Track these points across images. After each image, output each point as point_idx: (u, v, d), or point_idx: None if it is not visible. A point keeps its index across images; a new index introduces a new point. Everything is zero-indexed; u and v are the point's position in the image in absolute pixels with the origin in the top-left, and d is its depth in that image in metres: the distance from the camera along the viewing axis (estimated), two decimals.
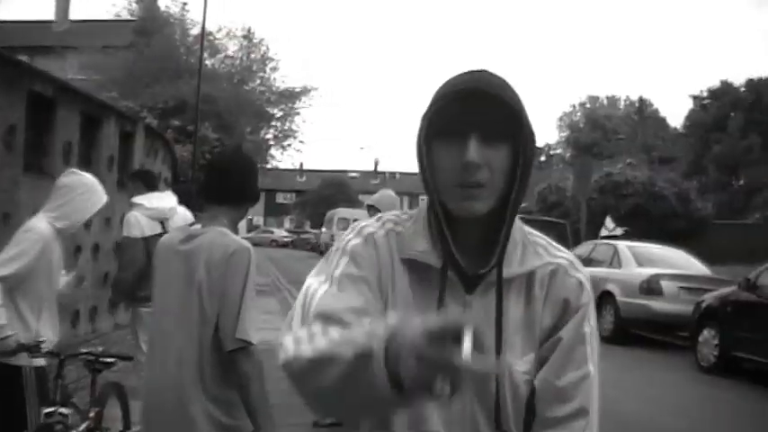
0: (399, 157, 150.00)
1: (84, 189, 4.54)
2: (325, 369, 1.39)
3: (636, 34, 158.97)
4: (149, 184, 6.44)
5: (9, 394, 4.25)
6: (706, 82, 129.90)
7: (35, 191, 8.22)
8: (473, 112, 1.57)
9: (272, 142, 36.84)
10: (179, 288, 3.16)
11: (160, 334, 3.26)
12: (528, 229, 1.75)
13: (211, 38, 32.94)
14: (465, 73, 1.65)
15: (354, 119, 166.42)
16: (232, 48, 34.99)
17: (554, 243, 1.78)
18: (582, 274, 1.74)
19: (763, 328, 11.03)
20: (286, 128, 36.51)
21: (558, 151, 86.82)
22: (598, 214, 26.23)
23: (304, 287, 1.67)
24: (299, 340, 1.49)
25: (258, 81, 35.22)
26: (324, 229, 46.41)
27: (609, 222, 23.22)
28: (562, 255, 1.75)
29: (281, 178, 71.20)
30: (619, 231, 22.37)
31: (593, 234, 22.21)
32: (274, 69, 35.58)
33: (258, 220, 79.76)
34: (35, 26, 45.63)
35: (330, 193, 65.70)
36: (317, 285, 1.64)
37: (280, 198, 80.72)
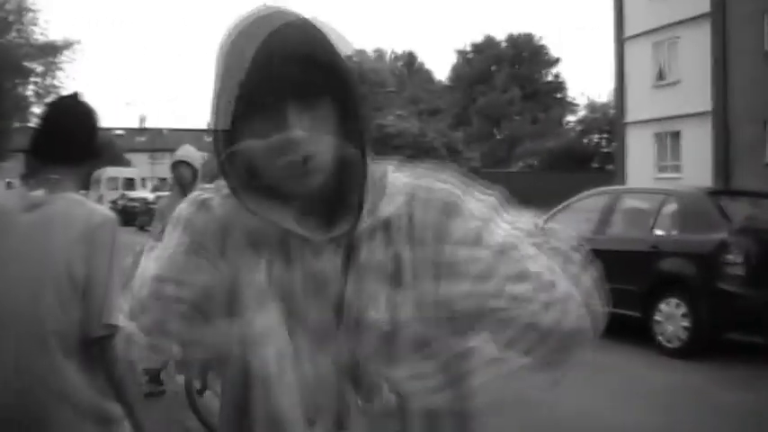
0: (166, 113, 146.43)
1: None
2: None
3: None
4: None
5: None
6: (470, 36, 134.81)
7: None
8: (284, 74, 1.30)
9: (33, 99, 34.74)
10: (21, 270, 2.65)
11: None
12: (387, 171, 1.50)
13: None
14: (256, 20, 1.36)
15: (118, 74, 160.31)
16: None
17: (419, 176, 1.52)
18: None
19: None
20: (48, 84, 34.54)
21: None
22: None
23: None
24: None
25: (15, 33, 32.97)
26: (91, 190, 44.74)
27: None
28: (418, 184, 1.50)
29: None
30: None
31: None
32: (33, 21, 33.46)
33: (17, 183, 75.48)
34: None
35: None
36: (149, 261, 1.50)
37: None
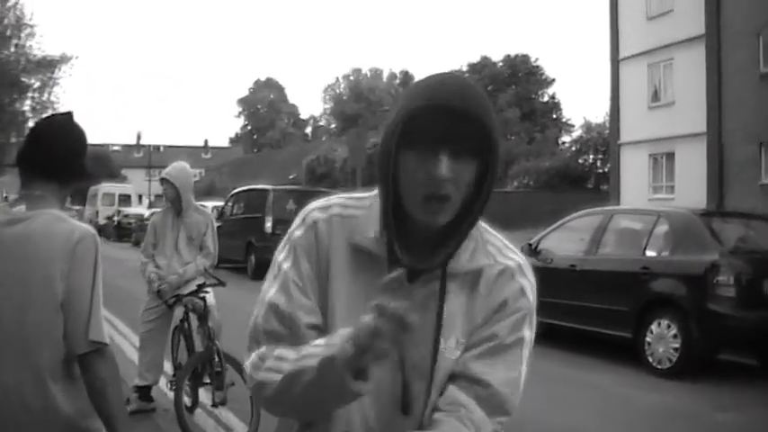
0: (162, 130, 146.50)
1: None
2: (294, 384, 1.60)
3: (400, 7, 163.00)
4: None
5: None
6: (467, 56, 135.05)
7: None
8: (447, 126, 1.57)
9: (29, 114, 34.64)
10: (3, 288, 2.64)
11: None
12: (486, 227, 1.78)
13: None
14: (442, 80, 1.63)
15: (115, 89, 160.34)
16: None
17: (510, 245, 1.81)
18: (527, 280, 1.77)
19: (548, 292, 11.48)
20: (44, 99, 34.49)
21: (322, 123, 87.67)
22: (369, 184, 26.67)
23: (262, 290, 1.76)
24: (257, 366, 1.68)
25: (13, 48, 32.99)
26: (88, 206, 44.64)
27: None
28: (514, 258, 1.78)
29: None
30: None
31: None
32: (30, 36, 33.47)
33: (14, 197, 75.30)
34: None
35: (92, 168, 63.11)
36: (266, 286, 1.75)
37: None
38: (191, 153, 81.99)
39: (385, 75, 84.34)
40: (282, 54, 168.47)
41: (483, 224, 1.76)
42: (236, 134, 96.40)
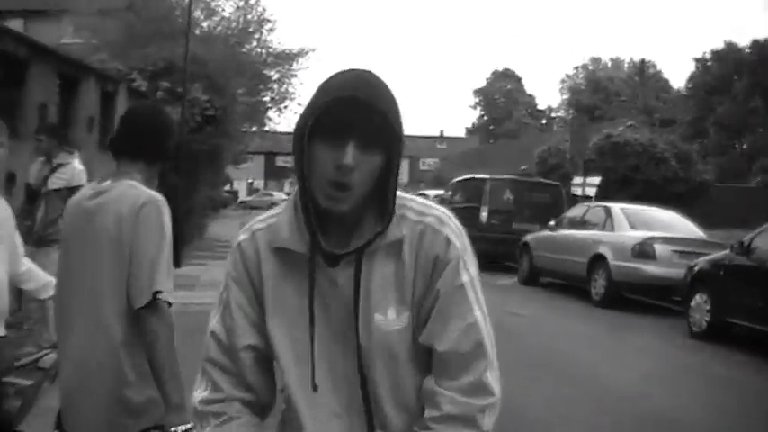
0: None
1: None
2: None
3: None
4: (61, 140, 6.47)
5: None
6: (710, 43, 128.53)
7: (10, 153, 8.01)
8: (353, 118, 1.66)
9: (269, 105, 36.38)
10: (83, 249, 2.92)
11: (64, 305, 3.00)
12: (404, 195, 1.85)
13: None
14: (349, 75, 1.73)
15: None
16: (228, 9, 34.48)
17: (430, 203, 1.88)
18: (450, 228, 1.82)
19: (755, 293, 10.79)
20: (283, 90, 36.05)
21: (560, 114, 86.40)
22: (592, 173, 25.95)
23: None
24: (203, 415, 1.87)
25: (255, 43, 34.69)
26: None
27: (577, 179, 23.06)
28: (433, 213, 1.83)
29: (280, 141, 70.86)
30: (595, 180, 22.15)
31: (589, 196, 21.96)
32: (271, 31, 35.08)
33: (258, 183, 79.47)
34: None
35: None
36: (212, 316, 1.92)
37: (279, 161, 79.94)
38: (426, 143, 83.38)
39: (625, 65, 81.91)
40: (520, 44, 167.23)
41: (401, 194, 1.83)
42: (473, 124, 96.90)
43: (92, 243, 2.89)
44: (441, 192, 26.79)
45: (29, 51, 9.88)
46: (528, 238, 17.87)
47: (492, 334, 1.84)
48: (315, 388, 1.80)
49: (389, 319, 1.77)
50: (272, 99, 35.97)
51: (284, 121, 49.57)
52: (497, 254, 19.71)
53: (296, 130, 1.73)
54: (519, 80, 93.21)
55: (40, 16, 37.06)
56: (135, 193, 2.91)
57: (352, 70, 1.74)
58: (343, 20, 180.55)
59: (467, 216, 20.74)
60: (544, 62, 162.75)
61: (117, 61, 21.72)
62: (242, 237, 1.90)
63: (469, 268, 1.81)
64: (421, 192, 32.43)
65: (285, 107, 36.19)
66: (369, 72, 1.74)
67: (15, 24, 41.03)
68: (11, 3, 42.33)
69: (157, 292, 2.78)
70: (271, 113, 36.79)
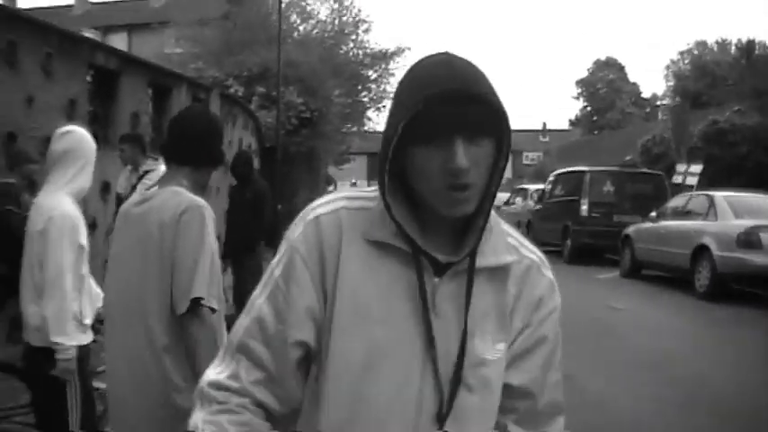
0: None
1: (90, 149, 4.15)
2: None
3: None
4: (144, 148, 6.57)
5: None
6: None
7: (101, 161, 8.24)
8: (457, 113, 1.47)
9: (368, 105, 36.69)
10: (131, 256, 2.95)
11: (112, 312, 3.06)
12: (499, 220, 1.68)
13: (303, 3, 32.89)
14: (439, 66, 1.52)
15: None
16: (324, 12, 34.90)
17: (524, 239, 1.74)
18: (551, 274, 1.72)
19: None
20: (381, 90, 36.29)
21: (666, 102, 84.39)
22: (694, 161, 25.18)
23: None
24: (210, 399, 1.61)
25: (351, 44, 35.01)
26: None
27: (680, 167, 22.39)
28: (533, 253, 1.71)
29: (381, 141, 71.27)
30: (697, 169, 21.48)
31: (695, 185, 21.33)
32: (367, 31, 35.37)
33: (361, 183, 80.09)
34: (132, 4, 46.73)
35: None
36: (257, 293, 1.65)
37: None
38: (529, 136, 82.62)
39: (732, 47, 79.31)
40: (622, 32, 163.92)
41: (494, 215, 1.65)
42: (576, 116, 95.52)
43: (137, 250, 2.93)
44: (541, 186, 26.47)
45: (120, 63, 10.11)
46: (629, 230, 17.49)
47: None
48: (442, 420, 1.57)
49: (487, 345, 1.60)
50: (371, 99, 36.26)
51: (383, 120, 49.77)
52: (598, 247, 19.42)
53: (386, 131, 1.53)
54: (622, 68, 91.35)
55: (143, 29, 38.13)
56: (177, 200, 2.91)
57: (435, 57, 1.55)
58: (439, 15, 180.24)
59: (567, 209, 20.49)
60: (648, 49, 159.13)
61: (213, 68, 22.22)
62: (322, 210, 1.63)
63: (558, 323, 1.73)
64: (521, 186, 32.10)
65: (383, 107, 36.50)
66: (454, 56, 1.55)
67: (120, 38, 42.66)
68: (116, 18, 43.78)
69: (198, 299, 2.78)
70: (370, 113, 37.08)
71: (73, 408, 3.98)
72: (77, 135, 4.14)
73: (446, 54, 1.56)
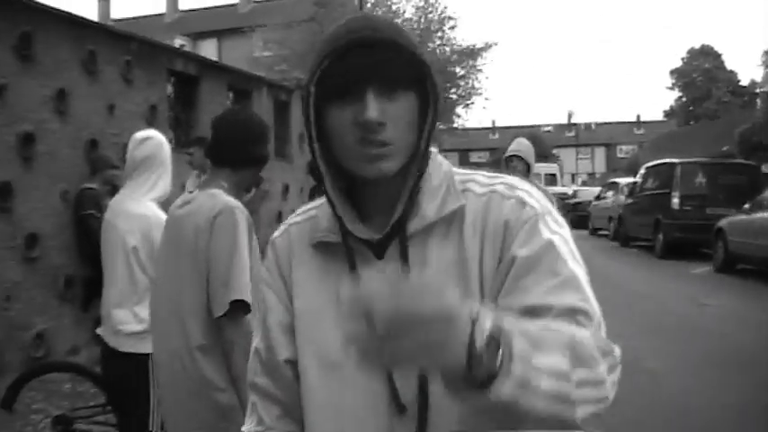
0: (595, 108, 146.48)
1: (168, 154, 4.18)
2: None
3: None
4: None
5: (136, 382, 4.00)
6: None
7: (181, 167, 8.39)
8: (366, 63, 1.36)
9: (457, 102, 36.56)
10: (169, 258, 3.03)
11: (155, 313, 3.15)
12: (463, 171, 1.55)
13: (389, 2, 32.97)
14: (350, 21, 1.43)
15: (545, 71, 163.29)
16: (410, 10, 34.91)
17: (497, 174, 1.53)
18: (522, 190, 1.47)
19: None
20: (469, 86, 36.12)
21: (765, 89, 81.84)
22: None
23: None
24: None
25: (438, 41, 34.92)
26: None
27: None
28: (502, 180, 1.50)
29: (473, 137, 71.00)
30: None
31: None
32: (453, 28, 35.24)
33: None
34: (221, 10, 47.73)
35: None
36: (255, 337, 1.65)
37: (474, 157, 79.96)
38: (623, 129, 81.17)
39: None
40: (717, 19, 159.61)
41: (459, 170, 1.55)
42: (671, 107, 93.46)
43: (177, 253, 2.99)
44: (632, 180, 25.96)
45: (199, 68, 10.28)
46: (722, 222, 16.95)
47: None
48: (401, 409, 1.43)
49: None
50: (459, 96, 36.13)
51: (473, 116, 49.55)
52: (691, 241, 18.88)
53: (304, 108, 1.44)
54: (718, 56, 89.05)
55: (231, 34, 38.79)
56: (212, 202, 2.95)
57: (349, 19, 1.45)
58: (527, 9, 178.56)
59: (658, 203, 20.03)
60: (745, 35, 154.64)
61: (298, 70, 22.41)
62: (275, 234, 1.65)
63: (555, 227, 1.44)
64: (612, 180, 31.50)
65: (472, 103, 36.37)
66: (367, 12, 1.47)
67: (210, 44, 43.50)
68: (205, 24, 44.66)
69: (236, 301, 2.80)
70: (459, 110, 36.96)
71: (154, 409, 4.04)
72: (156, 141, 4.21)
73: (354, 14, 1.48)
